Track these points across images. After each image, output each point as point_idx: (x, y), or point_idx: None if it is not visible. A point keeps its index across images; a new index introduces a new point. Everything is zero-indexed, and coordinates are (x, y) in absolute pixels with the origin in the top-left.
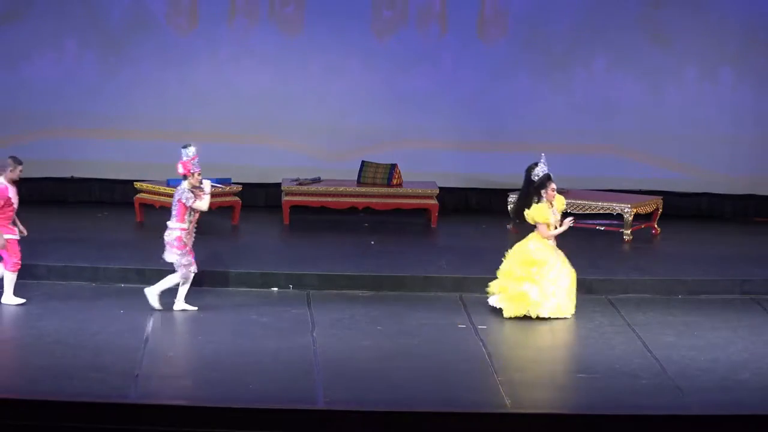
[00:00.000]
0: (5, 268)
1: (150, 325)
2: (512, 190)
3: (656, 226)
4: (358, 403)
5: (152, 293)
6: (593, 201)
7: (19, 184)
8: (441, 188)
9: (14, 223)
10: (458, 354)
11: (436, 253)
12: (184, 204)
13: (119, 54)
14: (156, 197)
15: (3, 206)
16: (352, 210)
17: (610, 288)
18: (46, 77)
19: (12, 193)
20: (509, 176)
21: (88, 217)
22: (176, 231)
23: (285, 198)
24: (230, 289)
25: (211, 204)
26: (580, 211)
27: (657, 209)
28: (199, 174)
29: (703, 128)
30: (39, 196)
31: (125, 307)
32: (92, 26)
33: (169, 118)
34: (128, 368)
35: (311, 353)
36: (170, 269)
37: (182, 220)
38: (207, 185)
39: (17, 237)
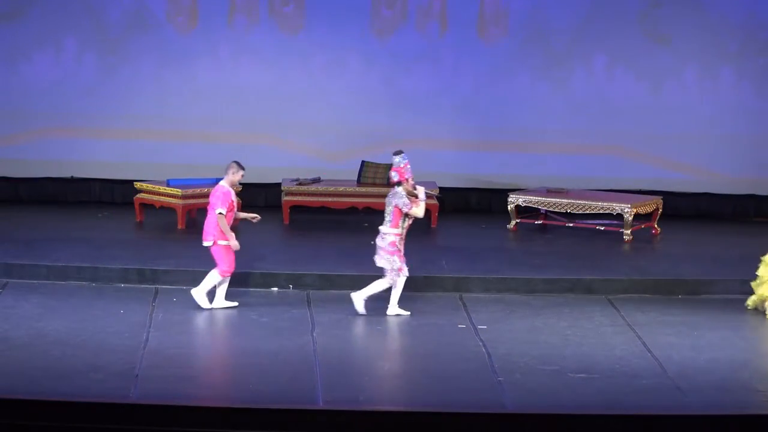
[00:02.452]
0: (217, 270)
1: (150, 325)
2: (512, 190)
3: (656, 226)
4: (358, 403)
5: (359, 298)
6: (593, 201)
7: (19, 184)
8: (441, 188)
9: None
10: (458, 354)
11: (436, 253)
12: (400, 210)
13: (119, 53)
14: (156, 197)
15: (226, 211)
16: (352, 210)
17: (610, 288)
18: (46, 77)
19: (234, 197)
20: (509, 176)
21: (88, 217)
22: (391, 236)
23: (285, 198)
24: (230, 289)
25: (208, 204)
26: (580, 211)
27: (657, 209)
28: (412, 179)
29: (703, 128)
30: (39, 196)
31: (125, 307)
32: (92, 26)
33: (169, 118)
34: (128, 368)
35: (311, 353)
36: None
37: (397, 226)
38: (421, 192)
39: (234, 246)
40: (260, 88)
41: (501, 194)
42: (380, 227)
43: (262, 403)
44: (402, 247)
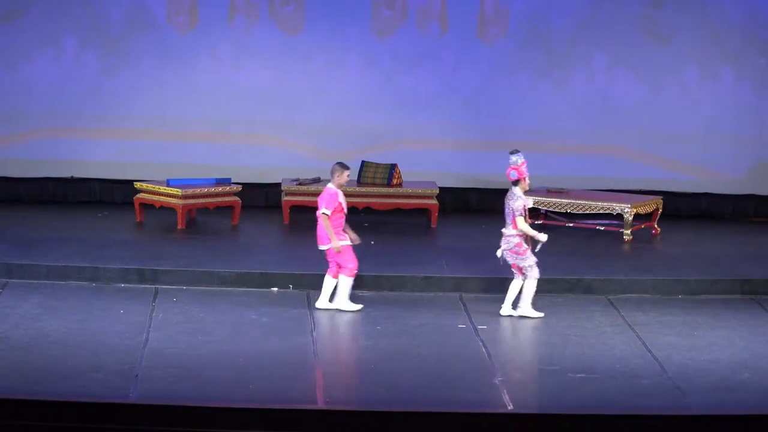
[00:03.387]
0: (343, 274)
1: (150, 325)
2: None
3: (656, 226)
4: (358, 403)
5: (526, 311)
6: (593, 201)
7: (19, 184)
8: (441, 188)
9: (345, 230)
10: (458, 354)
11: (436, 253)
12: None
13: (119, 53)
14: (156, 197)
15: (334, 212)
16: (352, 210)
17: (610, 288)
18: (46, 77)
19: (342, 198)
20: None
21: (88, 217)
22: (515, 237)
23: (285, 198)
24: (230, 289)
25: (208, 204)
26: (580, 211)
27: (657, 209)
28: (528, 179)
29: (703, 128)
30: (39, 196)
31: (125, 307)
32: (92, 26)
33: (169, 118)
34: (128, 368)
35: (311, 353)
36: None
37: (517, 227)
38: (542, 237)
39: (350, 243)
40: (260, 88)
41: (501, 194)
42: (503, 230)
43: (262, 403)
44: (530, 246)
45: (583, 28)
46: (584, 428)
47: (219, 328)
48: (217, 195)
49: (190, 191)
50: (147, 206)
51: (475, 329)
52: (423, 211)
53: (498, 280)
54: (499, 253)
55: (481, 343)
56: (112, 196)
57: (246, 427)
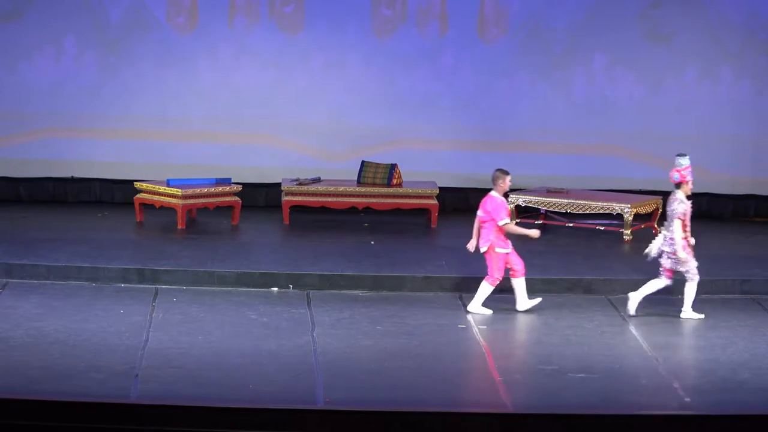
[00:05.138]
0: (486, 280)
1: (150, 325)
2: (512, 190)
3: (656, 226)
4: (358, 403)
5: (687, 314)
6: (593, 201)
7: (20, 184)
8: (441, 188)
9: (506, 236)
10: (458, 354)
11: (436, 253)
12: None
13: (119, 54)
14: (156, 197)
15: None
16: (352, 210)
17: (610, 288)
18: (46, 77)
19: (506, 205)
20: None
21: (88, 217)
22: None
23: (285, 198)
24: (230, 289)
25: (208, 204)
26: (580, 211)
27: (657, 209)
28: (691, 183)
29: (703, 128)
30: (39, 196)
31: (125, 307)
32: (92, 26)
33: (169, 118)
34: (128, 368)
35: (311, 353)
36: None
37: (680, 230)
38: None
39: (508, 251)
40: (260, 88)
41: None
42: (664, 232)
43: (262, 403)
44: (691, 250)
45: (583, 28)
46: (584, 428)
47: (219, 328)
48: (217, 195)
49: (190, 191)
50: (147, 206)
51: (476, 329)
52: (423, 211)
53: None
54: (654, 251)
55: (481, 343)
56: (112, 196)
57: (246, 427)
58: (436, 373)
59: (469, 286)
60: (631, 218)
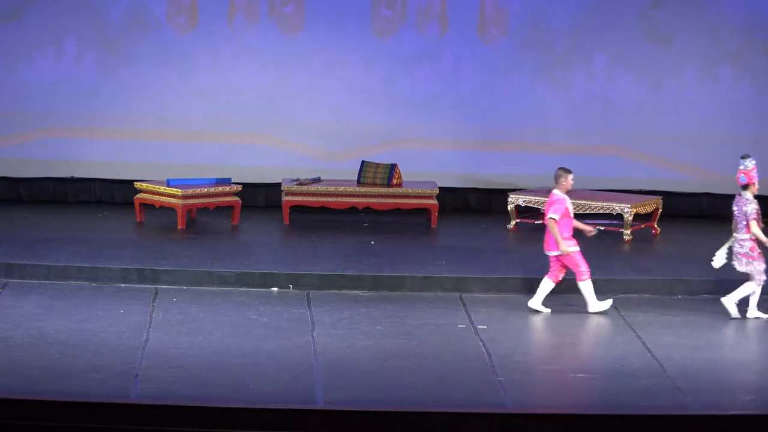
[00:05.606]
0: (578, 280)
1: (150, 325)
2: (512, 190)
3: (656, 226)
4: (358, 403)
5: (730, 302)
6: (593, 201)
7: (20, 183)
8: (441, 188)
9: (573, 230)
10: (458, 354)
11: (436, 253)
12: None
13: (119, 54)
14: (156, 197)
15: (561, 217)
16: (352, 210)
17: (610, 288)
18: (46, 77)
19: (569, 203)
20: (509, 176)
21: (88, 217)
22: (748, 242)
23: (285, 198)
24: (230, 289)
25: (208, 204)
26: (580, 211)
27: (657, 209)
28: (758, 184)
29: (703, 127)
30: (39, 196)
31: (125, 307)
32: (92, 26)
33: (168, 118)
34: (128, 368)
35: (311, 353)
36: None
37: (750, 231)
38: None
39: (578, 249)
40: (260, 88)
41: (501, 194)
42: (735, 234)
43: (262, 403)
44: (762, 251)
45: (583, 28)
46: (584, 428)
47: (219, 328)
48: (217, 195)
49: (190, 191)
50: (147, 206)
51: (475, 329)
52: (423, 211)
53: (498, 280)
54: (721, 260)
55: (481, 343)
56: (112, 196)
57: (246, 427)
58: (436, 373)
59: (470, 286)
60: (631, 218)
